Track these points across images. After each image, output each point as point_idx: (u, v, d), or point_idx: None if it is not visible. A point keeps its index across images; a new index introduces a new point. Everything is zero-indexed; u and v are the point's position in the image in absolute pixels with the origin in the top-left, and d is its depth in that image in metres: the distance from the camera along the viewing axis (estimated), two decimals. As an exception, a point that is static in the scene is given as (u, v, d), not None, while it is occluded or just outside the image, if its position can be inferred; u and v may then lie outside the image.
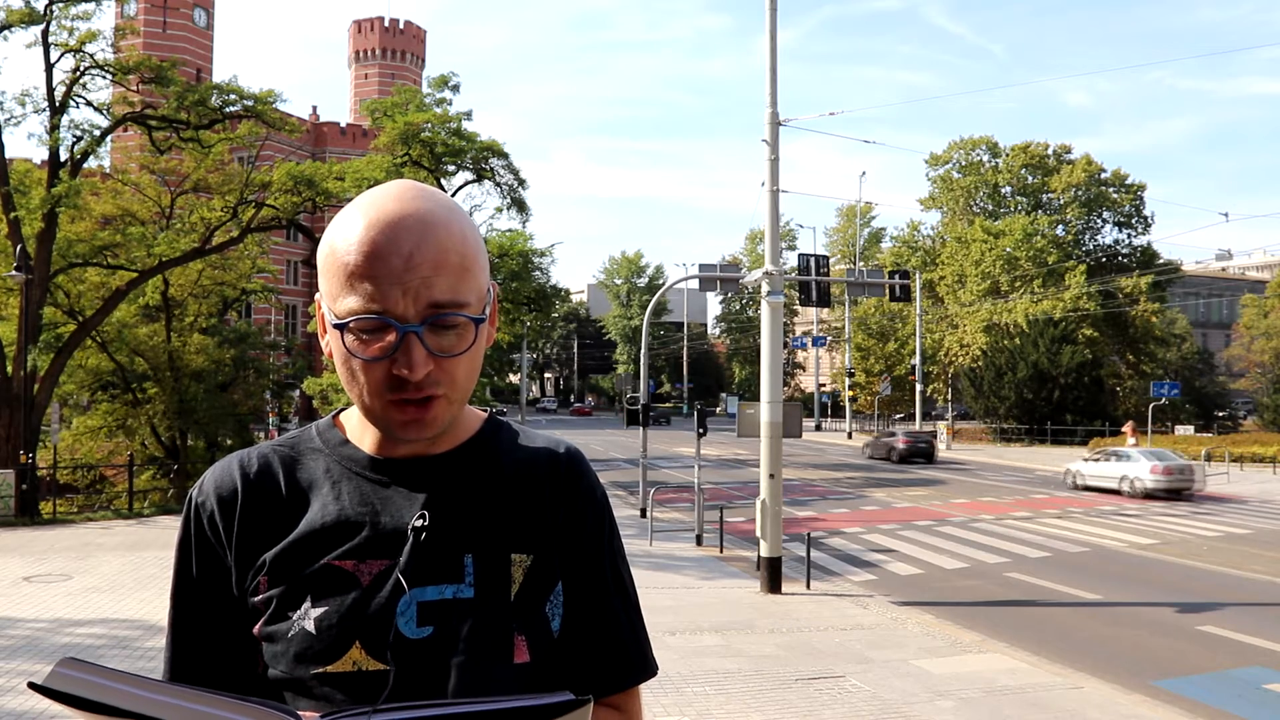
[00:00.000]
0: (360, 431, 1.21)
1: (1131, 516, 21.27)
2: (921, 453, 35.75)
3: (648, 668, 1.25)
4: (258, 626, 1.14)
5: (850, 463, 37.63)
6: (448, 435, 1.20)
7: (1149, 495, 25.02)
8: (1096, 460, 27.81)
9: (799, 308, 61.65)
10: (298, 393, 43.26)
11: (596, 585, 1.22)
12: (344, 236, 1.08)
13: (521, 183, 29.01)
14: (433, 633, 1.11)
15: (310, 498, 1.17)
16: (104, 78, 22.87)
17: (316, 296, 1.15)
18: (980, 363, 52.09)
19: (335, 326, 1.08)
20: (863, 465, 36.51)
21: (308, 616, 1.11)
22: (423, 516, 1.14)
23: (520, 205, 29.04)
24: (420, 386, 1.08)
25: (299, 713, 0.91)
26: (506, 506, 1.19)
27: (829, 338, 60.48)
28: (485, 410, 1.29)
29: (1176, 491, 25.22)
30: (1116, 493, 25.93)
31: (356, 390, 1.11)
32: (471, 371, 1.13)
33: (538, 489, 1.21)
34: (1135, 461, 26.06)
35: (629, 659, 1.23)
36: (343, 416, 1.25)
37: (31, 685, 0.87)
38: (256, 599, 1.14)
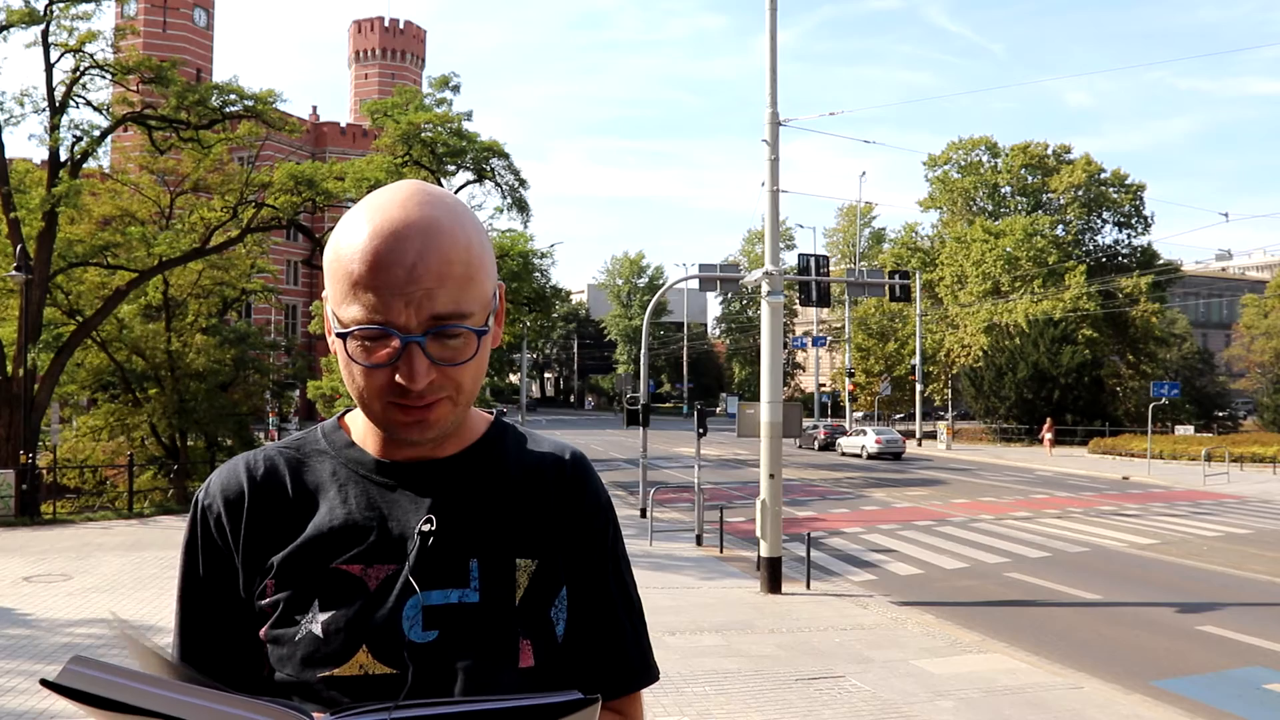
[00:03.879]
0: (366, 433, 1.21)
1: (1131, 516, 21.28)
2: (832, 442, 44.56)
3: (650, 673, 1.26)
4: (264, 629, 1.14)
5: (850, 463, 37.74)
6: (454, 438, 1.20)
7: (872, 456, 39.15)
8: (850, 436, 42.94)
9: (799, 308, 61.62)
10: (298, 393, 43.30)
11: (600, 591, 1.23)
12: (348, 242, 1.08)
13: (522, 183, 29.05)
14: (438, 637, 1.12)
15: (317, 500, 1.18)
16: (104, 78, 22.88)
17: (323, 294, 1.16)
18: (980, 363, 52.12)
19: (339, 335, 1.09)
20: (862, 465, 36.61)
21: (315, 620, 1.11)
22: (429, 521, 1.15)
23: (521, 205, 29.06)
24: (423, 395, 1.08)
25: (311, 713, 0.91)
26: (512, 511, 1.20)
27: (829, 338, 60.45)
28: (491, 413, 1.30)
29: (892, 454, 39.33)
30: (858, 455, 39.88)
31: (358, 394, 1.11)
32: (477, 376, 1.14)
33: (543, 494, 1.22)
34: (868, 435, 40.82)
35: (631, 665, 1.24)
36: (348, 418, 1.25)
37: (44, 682, 0.87)
38: (263, 602, 1.14)
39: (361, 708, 0.92)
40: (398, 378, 1.07)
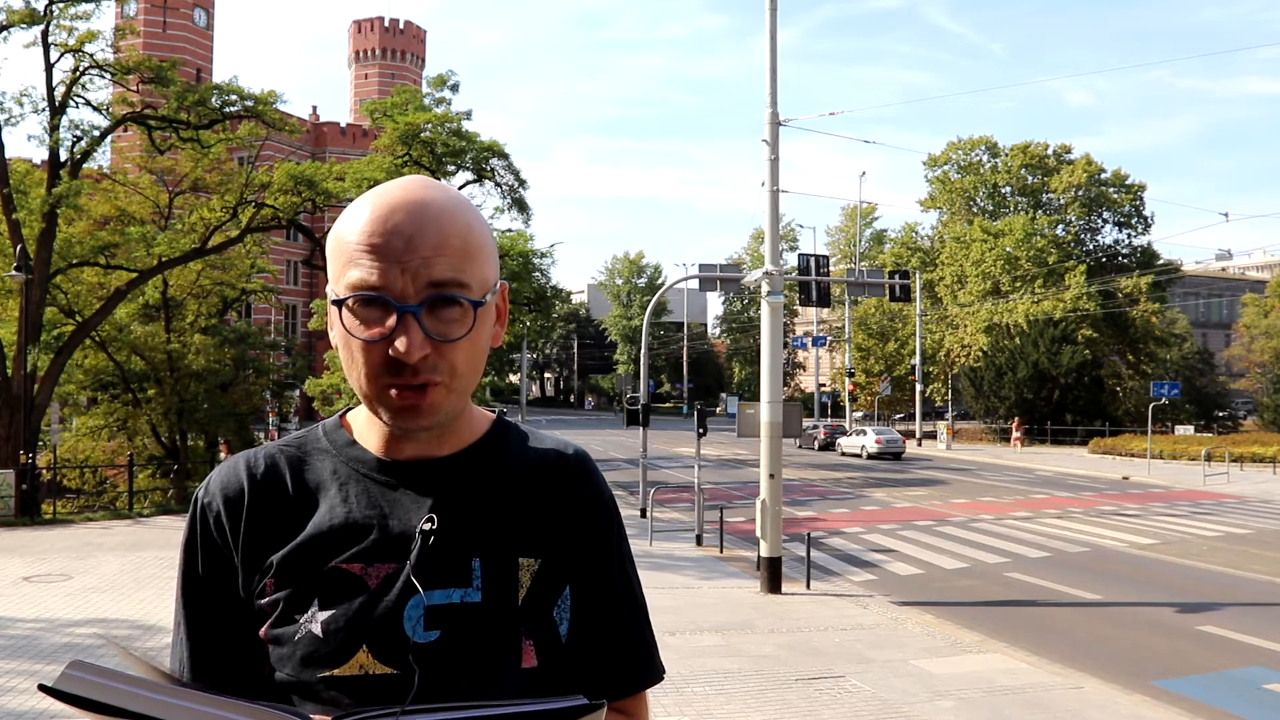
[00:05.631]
0: (367, 432, 1.20)
1: (1131, 516, 21.27)
2: (832, 442, 44.59)
3: (655, 672, 1.25)
4: (264, 629, 1.13)
5: (850, 463, 37.74)
6: (455, 436, 1.20)
7: (872, 456, 39.11)
8: (849, 436, 42.95)
9: (799, 308, 61.58)
10: (298, 393, 43.28)
11: (604, 590, 1.22)
12: (350, 220, 1.10)
13: (522, 183, 29.04)
14: (440, 637, 1.11)
15: (318, 499, 1.17)
16: (104, 78, 22.88)
17: (327, 288, 1.15)
18: (980, 363, 52.11)
19: (335, 303, 1.09)
20: (862, 465, 36.61)
21: (315, 619, 1.11)
22: (431, 520, 1.14)
23: (521, 205, 29.06)
24: (417, 370, 1.07)
25: (310, 715, 0.91)
26: (514, 510, 1.19)
27: (829, 338, 60.41)
28: (493, 411, 1.29)
29: (892, 454, 39.34)
30: (858, 455, 39.80)
31: (355, 373, 1.10)
32: (472, 360, 1.12)
33: (546, 492, 1.21)
34: (868, 435, 40.88)
35: (636, 664, 1.23)
36: (349, 416, 1.25)
37: (42, 688, 0.86)
38: (263, 601, 1.13)
39: (366, 711, 0.91)
40: (391, 350, 1.06)
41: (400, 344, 1.05)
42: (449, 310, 1.08)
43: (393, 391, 1.09)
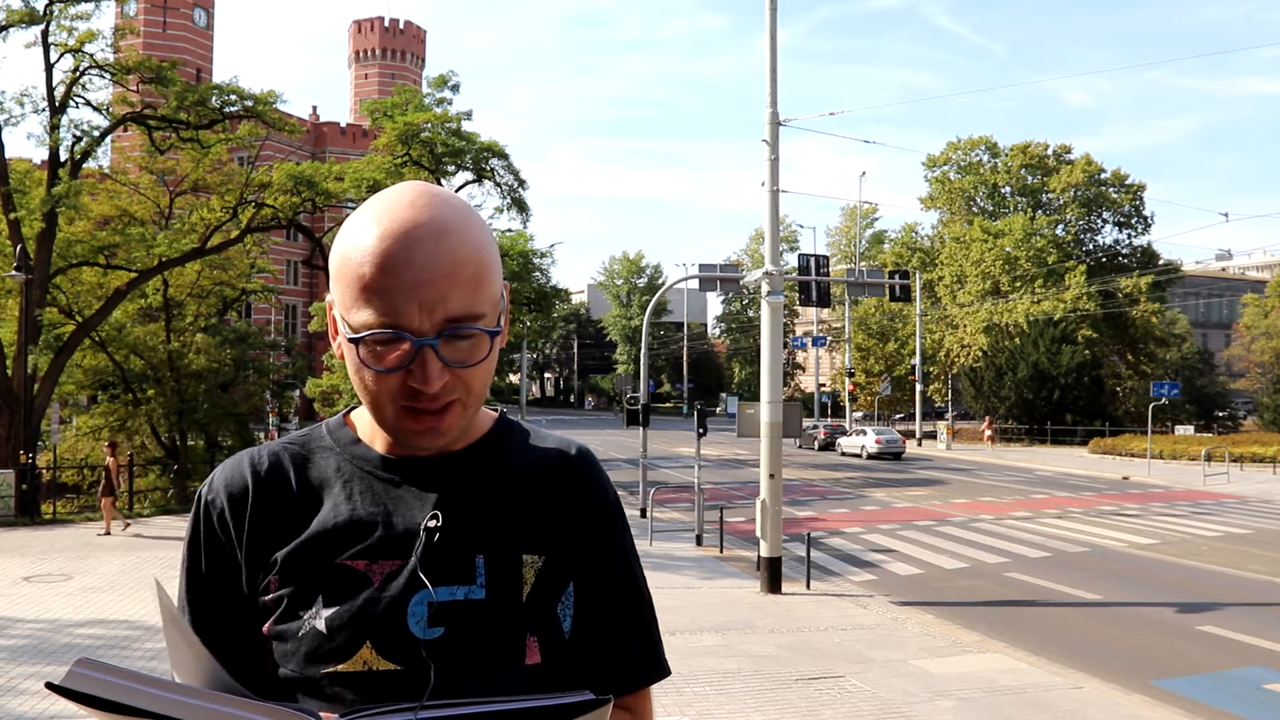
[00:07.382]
0: (371, 430, 1.21)
1: (1131, 516, 21.27)
2: (832, 442, 44.55)
3: (659, 669, 1.25)
4: (267, 625, 1.13)
5: (850, 463, 37.75)
6: (460, 435, 1.20)
7: (872, 456, 39.20)
8: (849, 436, 43.00)
9: (799, 308, 61.60)
10: (298, 393, 43.30)
11: (608, 586, 1.22)
12: (356, 245, 1.06)
13: (521, 183, 29.04)
14: (444, 633, 1.11)
15: (322, 497, 1.17)
16: (104, 78, 22.88)
17: (328, 297, 1.14)
18: (980, 363, 52.13)
19: (350, 341, 1.07)
20: (862, 465, 36.62)
21: (319, 616, 1.11)
22: (435, 517, 1.14)
23: (520, 205, 29.07)
24: (436, 397, 1.08)
25: (319, 713, 0.91)
26: (518, 507, 1.19)
27: (829, 338, 60.40)
28: (495, 410, 1.29)
29: (892, 454, 39.42)
30: (858, 455, 39.88)
31: (369, 398, 1.10)
32: (487, 378, 1.13)
33: (549, 489, 1.21)
34: (868, 435, 40.94)
35: (640, 660, 1.23)
36: (354, 415, 1.25)
37: (49, 685, 0.87)
38: (267, 598, 1.14)
39: (382, 708, 0.91)
40: (411, 381, 1.06)
41: (420, 375, 1.05)
42: (466, 338, 1.08)
43: (411, 416, 1.09)
